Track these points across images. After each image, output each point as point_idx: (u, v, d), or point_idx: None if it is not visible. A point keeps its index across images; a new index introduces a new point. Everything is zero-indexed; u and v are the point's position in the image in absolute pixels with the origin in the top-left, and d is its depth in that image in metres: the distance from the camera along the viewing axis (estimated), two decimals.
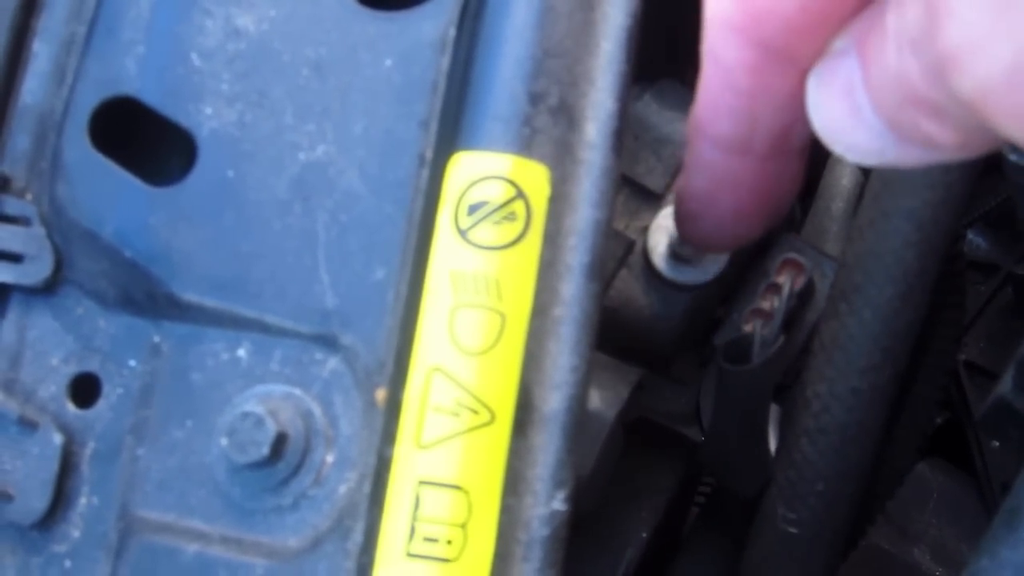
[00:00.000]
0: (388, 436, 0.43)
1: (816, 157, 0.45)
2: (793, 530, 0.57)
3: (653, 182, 0.58)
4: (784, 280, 0.58)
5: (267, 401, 0.45)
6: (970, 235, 0.89)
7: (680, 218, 0.53)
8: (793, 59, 0.41)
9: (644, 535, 0.59)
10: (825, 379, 0.55)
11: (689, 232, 0.54)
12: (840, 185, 0.70)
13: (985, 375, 0.82)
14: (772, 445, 0.61)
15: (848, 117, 0.39)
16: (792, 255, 0.59)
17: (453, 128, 0.46)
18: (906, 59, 0.35)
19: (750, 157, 0.46)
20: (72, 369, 0.49)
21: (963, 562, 0.73)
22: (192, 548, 0.45)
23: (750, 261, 0.59)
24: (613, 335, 0.55)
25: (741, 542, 0.61)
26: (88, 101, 0.49)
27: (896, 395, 0.57)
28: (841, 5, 0.39)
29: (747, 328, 0.57)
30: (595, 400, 0.54)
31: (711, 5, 0.41)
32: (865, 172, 0.68)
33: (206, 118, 0.48)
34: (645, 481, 0.62)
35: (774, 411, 0.62)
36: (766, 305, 0.58)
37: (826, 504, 0.56)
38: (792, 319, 0.59)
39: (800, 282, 0.58)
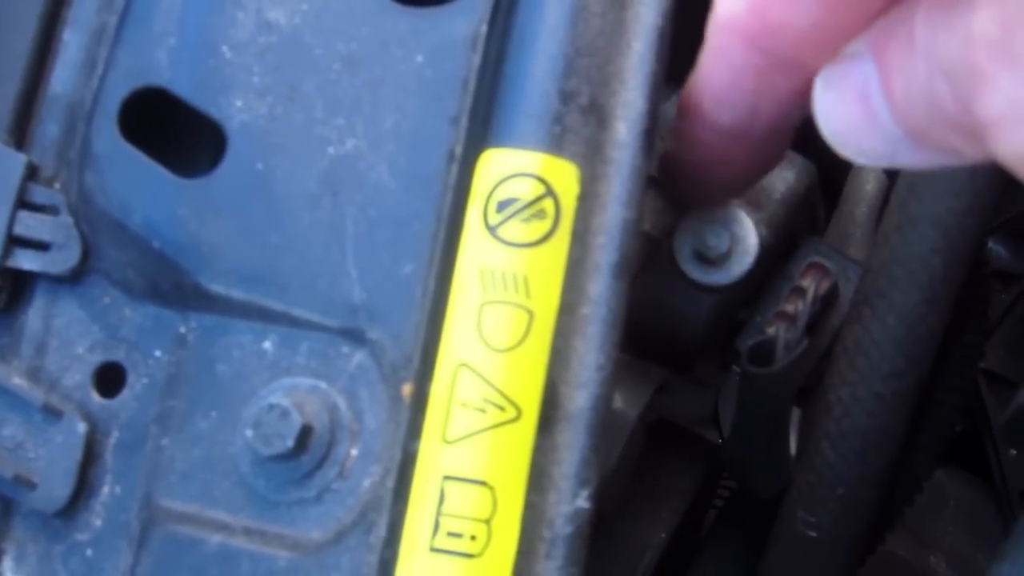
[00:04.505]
0: (414, 431, 0.43)
1: (840, 161, 0.45)
2: (812, 534, 0.57)
3: None
4: (809, 284, 0.58)
5: (293, 394, 0.45)
6: (991, 244, 0.88)
7: (669, 181, 0.56)
8: (802, 67, 0.42)
9: (664, 536, 0.59)
10: (847, 383, 0.55)
11: (679, 192, 0.57)
12: (864, 190, 0.70)
13: (1004, 383, 0.82)
14: (792, 448, 0.61)
15: (861, 121, 0.38)
16: (817, 259, 0.59)
17: (483, 125, 0.46)
18: (938, 84, 0.34)
19: (746, 141, 0.47)
20: (97, 358, 0.49)
21: (979, 570, 0.73)
22: (215, 539, 0.45)
23: (775, 264, 0.59)
24: (636, 335, 0.54)
25: (760, 545, 0.61)
26: (118, 91, 0.49)
27: (918, 401, 0.56)
28: (856, 21, 0.39)
29: (771, 331, 0.57)
30: (617, 400, 0.54)
31: (722, 6, 0.41)
32: (891, 177, 0.68)
33: (236, 110, 0.48)
34: (665, 482, 0.62)
35: (794, 414, 0.62)
36: (790, 308, 0.58)
37: (846, 508, 0.56)
38: (816, 323, 0.58)
39: (825, 286, 0.58)
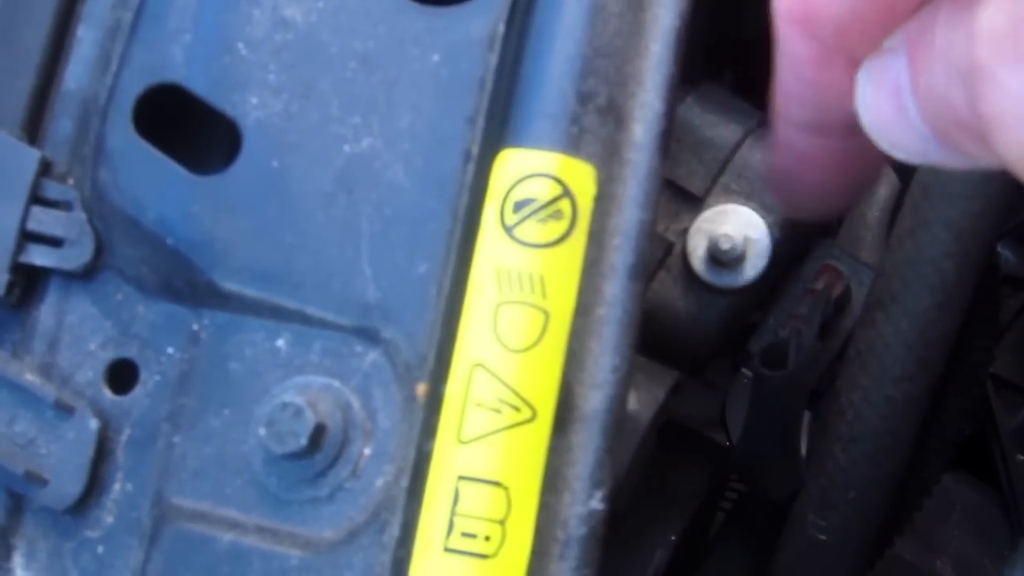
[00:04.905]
0: (428, 431, 0.43)
1: None
2: (822, 537, 0.57)
3: (694, 185, 0.57)
4: (822, 287, 0.58)
5: (306, 392, 0.45)
6: (999, 249, 0.88)
7: (774, 194, 0.54)
8: (851, 56, 0.41)
9: (673, 537, 0.59)
10: (859, 387, 0.55)
11: (786, 206, 0.55)
12: (876, 194, 0.70)
13: (1012, 388, 0.82)
14: (803, 451, 0.61)
15: (894, 117, 0.38)
16: (830, 262, 0.59)
17: (500, 125, 0.45)
18: (954, 87, 0.34)
19: (828, 137, 0.47)
20: (110, 355, 0.49)
21: (985, 575, 0.73)
22: (227, 537, 0.45)
23: (788, 267, 0.59)
24: (649, 337, 0.54)
25: (768, 547, 0.60)
26: (133, 88, 0.49)
27: (929, 405, 0.56)
28: (893, 13, 0.38)
29: (783, 334, 0.57)
30: (631, 401, 0.54)
31: None
32: (904, 181, 0.68)
33: (252, 108, 0.48)
34: (674, 483, 0.62)
35: (805, 417, 0.62)
36: (803, 311, 0.58)
37: (856, 512, 0.56)
38: (828, 326, 0.58)
39: (838, 289, 0.58)
